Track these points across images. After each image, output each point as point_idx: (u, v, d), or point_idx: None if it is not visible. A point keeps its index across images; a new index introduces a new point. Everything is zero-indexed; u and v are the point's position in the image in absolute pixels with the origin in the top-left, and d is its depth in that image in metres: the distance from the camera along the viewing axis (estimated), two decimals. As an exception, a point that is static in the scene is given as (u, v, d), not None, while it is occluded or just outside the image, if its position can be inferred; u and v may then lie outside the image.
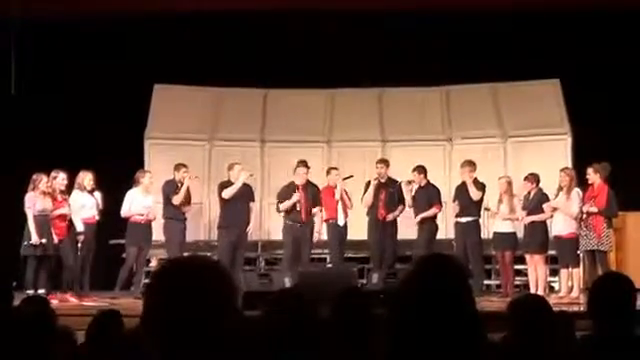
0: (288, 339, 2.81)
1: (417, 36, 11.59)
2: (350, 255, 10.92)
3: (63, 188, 9.53)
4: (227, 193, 10.10)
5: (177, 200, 10.17)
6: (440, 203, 10.42)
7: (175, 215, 10.24)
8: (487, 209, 10.22)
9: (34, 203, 9.25)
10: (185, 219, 10.35)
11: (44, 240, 9.13)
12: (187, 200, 10.36)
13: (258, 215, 11.12)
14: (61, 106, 11.37)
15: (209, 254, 9.96)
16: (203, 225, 11.68)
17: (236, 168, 10.27)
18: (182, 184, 10.22)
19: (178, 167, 10.33)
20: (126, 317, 4.32)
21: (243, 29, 11.51)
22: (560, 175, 9.67)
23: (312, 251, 10.59)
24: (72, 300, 9.27)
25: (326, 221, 10.54)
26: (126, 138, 11.30)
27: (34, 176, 9.36)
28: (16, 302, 4.58)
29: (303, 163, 10.42)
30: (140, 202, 10.11)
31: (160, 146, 11.73)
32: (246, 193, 10.26)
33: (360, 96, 12.38)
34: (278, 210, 10.45)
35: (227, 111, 12.18)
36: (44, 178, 9.35)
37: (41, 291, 8.79)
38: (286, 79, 11.88)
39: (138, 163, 11.42)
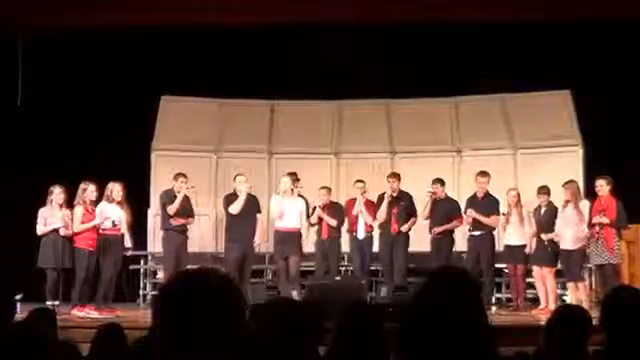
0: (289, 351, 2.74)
1: (426, 47, 11.53)
2: (372, 268, 10.75)
3: (93, 198, 9.49)
4: (234, 209, 9.93)
5: (172, 210, 9.90)
6: (461, 216, 10.32)
7: (170, 226, 9.97)
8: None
9: (45, 218, 9.31)
10: (184, 230, 10.05)
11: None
12: (188, 212, 10.11)
13: (265, 227, 11.05)
14: (67, 117, 11.39)
15: (216, 267, 9.85)
16: (209, 237, 11.60)
17: (238, 179, 10.08)
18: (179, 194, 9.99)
19: (176, 177, 10.10)
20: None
21: (250, 41, 11.48)
22: (563, 192, 9.55)
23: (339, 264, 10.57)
24: (91, 313, 9.12)
25: (348, 233, 10.49)
26: (133, 149, 11.27)
27: (51, 188, 9.39)
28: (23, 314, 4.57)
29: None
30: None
31: (166, 157, 11.69)
32: (252, 205, 10.07)
33: (368, 107, 12.34)
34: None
35: (234, 122, 12.16)
36: (57, 189, 9.38)
37: (56, 303, 8.76)
38: (293, 91, 11.86)
39: (144, 174, 11.39)
